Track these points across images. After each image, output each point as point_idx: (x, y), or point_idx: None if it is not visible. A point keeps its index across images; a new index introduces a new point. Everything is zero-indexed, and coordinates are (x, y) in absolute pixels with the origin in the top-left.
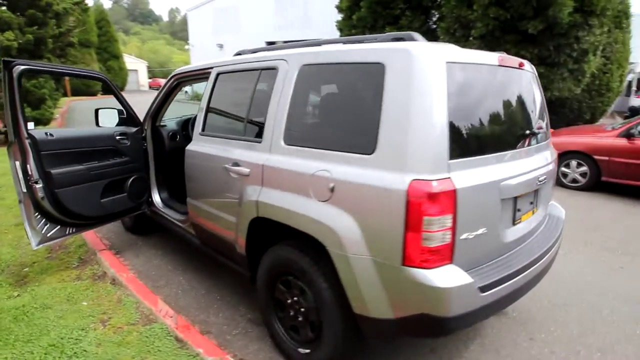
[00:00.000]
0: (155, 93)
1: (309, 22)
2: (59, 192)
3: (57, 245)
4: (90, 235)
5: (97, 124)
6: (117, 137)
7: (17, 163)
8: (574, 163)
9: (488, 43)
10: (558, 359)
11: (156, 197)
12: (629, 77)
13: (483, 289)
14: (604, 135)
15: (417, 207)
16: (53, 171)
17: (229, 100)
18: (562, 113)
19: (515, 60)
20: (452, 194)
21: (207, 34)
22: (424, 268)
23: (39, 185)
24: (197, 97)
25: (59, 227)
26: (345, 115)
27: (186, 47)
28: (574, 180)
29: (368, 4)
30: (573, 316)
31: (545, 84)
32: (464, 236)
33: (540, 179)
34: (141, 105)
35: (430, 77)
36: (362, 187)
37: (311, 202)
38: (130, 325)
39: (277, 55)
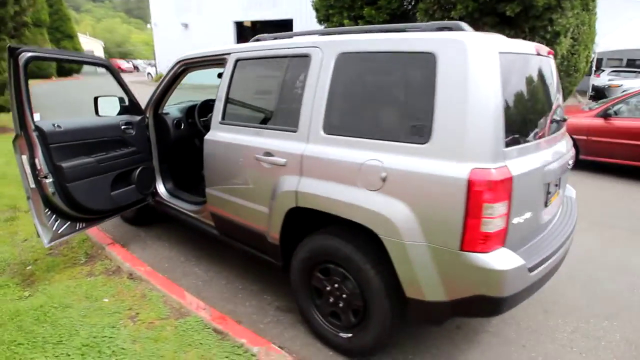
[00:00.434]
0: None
1: (278, 1)
2: (71, 186)
3: (58, 241)
4: (92, 230)
5: (96, 113)
6: (123, 127)
7: (24, 157)
8: None
9: (467, 24)
10: (572, 328)
11: (161, 187)
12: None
13: (531, 269)
14: (582, 115)
15: (478, 194)
16: (64, 164)
17: (252, 87)
18: None
19: (544, 49)
20: (509, 182)
21: (170, 12)
22: (482, 252)
23: (49, 180)
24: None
25: (69, 222)
26: (393, 104)
27: (148, 26)
28: None
29: None
30: (577, 288)
31: None
32: (515, 220)
33: (569, 162)
34: (102, 89)
35: (486, 67)
36: (417, 176)
37: (360, 192)
38: (161, 319)
39: (308, 43)
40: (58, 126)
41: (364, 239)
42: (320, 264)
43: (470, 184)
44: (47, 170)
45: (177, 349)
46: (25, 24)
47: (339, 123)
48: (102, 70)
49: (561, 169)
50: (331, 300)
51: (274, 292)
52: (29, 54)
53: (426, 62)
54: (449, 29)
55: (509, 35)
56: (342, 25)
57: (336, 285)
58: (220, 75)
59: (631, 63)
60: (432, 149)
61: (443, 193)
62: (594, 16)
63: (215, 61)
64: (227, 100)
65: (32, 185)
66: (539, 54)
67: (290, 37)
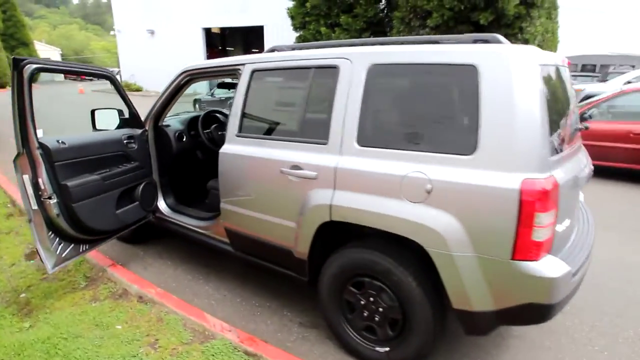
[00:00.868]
0: (72, 83)
1: (247, 7)
2: (76, 206)
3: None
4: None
5: (93, 127)
6: (125, 141)
7: (26, 177)
8: None
9: (443, 33)
10: (588, 327)
11: (161, 203)
12: None
13: (574, 274)
14: None
15: (530, 204)
16: (69, 183)
17: (272, 99)
18: None
19: (565, 59)
20: (557, 190)
21: (135, 18)
22: (532, 260)
23: (53, 201)
24: (126, 87)
25: (72, 245)
26: (434, 116)
27: (112, 32)
28: None
29: None
30: (582, 286)
31: None
32: (558, 227)
33: (592, 168)
34: (63, 97)
35: (530, 79)
36: (464, 187)
37: (402, 204)
38: (185, 344)
39: (336, 54)
40: (62, 142)
41: (404, 251)
42: (353, 278)
43: (522, 194)
44: (52, 190)
45: None
46: None
47: (374, 135)
48: (59, 77)
49: (587, 176)
50: (365, 314)
51: (293, 308)
52: (35, 66)
53: (468, 74)
54: (486, 41)
55: None
56: (319, 32)
57: (371, 299)
58: (221, 85)
59: (590, 68)
60: (479, 160)
61: (493, 203)
62: (556, 24)
63: (226, 72)
64: (244, 113)
65: (35, 207)
66: (563, 65)
67: (309, 48)
